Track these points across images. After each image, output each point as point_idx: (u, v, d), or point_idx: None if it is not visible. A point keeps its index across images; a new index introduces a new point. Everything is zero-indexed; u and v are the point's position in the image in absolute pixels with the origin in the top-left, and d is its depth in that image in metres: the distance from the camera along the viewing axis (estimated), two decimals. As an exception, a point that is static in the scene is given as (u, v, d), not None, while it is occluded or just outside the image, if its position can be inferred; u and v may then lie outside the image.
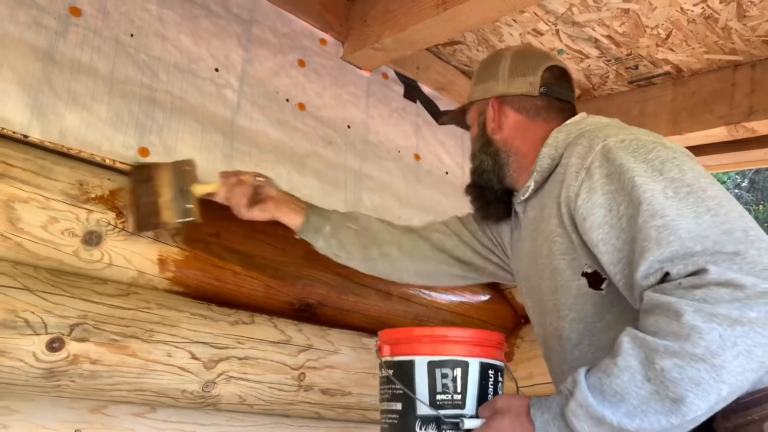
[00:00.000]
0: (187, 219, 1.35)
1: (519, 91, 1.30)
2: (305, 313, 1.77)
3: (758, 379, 0.87)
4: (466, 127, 1.45)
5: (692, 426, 0.87)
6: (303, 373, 1.71)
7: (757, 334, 0.82)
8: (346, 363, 1.82)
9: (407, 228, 1.55)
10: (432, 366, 1.03)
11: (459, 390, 1.02)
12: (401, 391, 1.03)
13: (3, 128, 1.31)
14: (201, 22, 1.72)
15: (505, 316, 2.33)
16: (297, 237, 1.47)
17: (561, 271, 1.12)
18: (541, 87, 1.29)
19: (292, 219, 1.44)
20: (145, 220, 1.35)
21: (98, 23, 1.52)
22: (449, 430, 1.01)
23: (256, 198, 1.42)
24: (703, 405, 0.83)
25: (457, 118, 1.46)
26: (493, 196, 1.34)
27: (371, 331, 1.94)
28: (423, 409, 1.01)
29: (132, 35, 1.57)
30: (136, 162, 1.48)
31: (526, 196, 1.25)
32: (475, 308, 2.24)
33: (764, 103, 2.05)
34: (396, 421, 1.05)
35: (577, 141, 1.12)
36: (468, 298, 2.23)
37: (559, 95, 1.30)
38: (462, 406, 1.02)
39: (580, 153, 1.08)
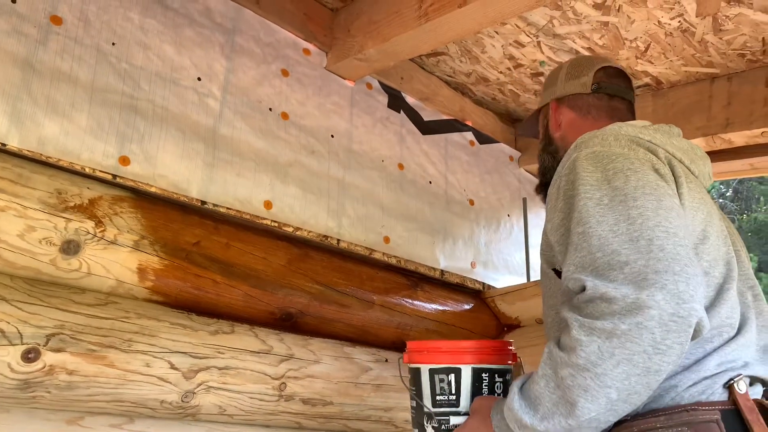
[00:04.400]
0: None
1: (573, 91, 1.42)
2: (286, 323, 1.77)
3: (669, 392, 0.97)
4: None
5: (592, 426, 0.94)
6: (284, 382, 1.70)
7: (633, 344, 0.88)
8: (328, 372, 1.82)
9: None
10: (432, 372, 1.21)
11: (453, 392, 1.18)
12: (415, 391, 1.25)
13: (-20, 136, 1.31)
14: (184, 32, 1.72)
15: (488, 324, 2.34)
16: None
17: (542, 263, 1.23)
18: (592, 85, 1.40)
19: None
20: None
21: (79, 32, 1.52)
22: (443, 425, 1.18)
23: None
24: (593, 407, 0.91)
25: (533, 129, 1.60)
26: None
27: (353, 341, 1.94)
28: (427, 407, 1.21)
29: (114, 44, 1.57)
30: None
31: None
32: (458, 317, 2.25)
33: (740, 114, 2.09)
34: (414, 415, 1.26)
35: (572, 149, 1.19)
36: (451, 306, 2.24)
37: (610, 92, 1.40)
38: (457, 405, 1.18)
39: (563, 161, 1.15)
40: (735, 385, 0.96)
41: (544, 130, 1.48)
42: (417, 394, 1.23)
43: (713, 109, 2.15)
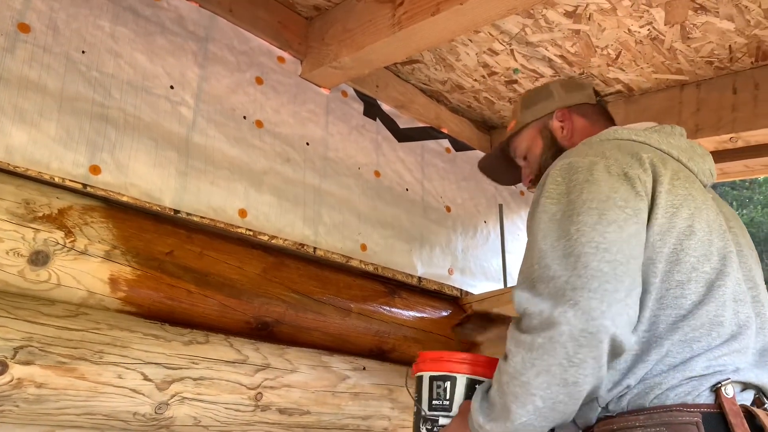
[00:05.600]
0: None
1: (581, 101, 1.47)
2: (262, 332, 1.75)
3: (640, 393, 0.99)
4: (507, 167, 1.62)
5: (528, 431, 1.00)
6: (260, 392, 1.69)
7: (549, 356, 0.95)
8: (305, 382, 1.80)
9: None
10: (432, 379, 1.33)
11: (448, 397, 1.30)
12: (417, 397, 1.36)
13: (-55, 146, 1.28)
14: (156, 40, 1.71)
15: (466, 331, 2.35)
16: None
17: None
18: (596, 96, 1.48)
19: None
20: None
21: (48, 40, 1.50)
22: (435, 426, 1.30)
23: None
24: (523, 413, 0.98)
25: (495, 161, 1.64)
26: None
27: (331, 349, 1.93)
28: (423, 410, 1.32)
29: (84, 52, 1.55)
30: None
31: None
32: (436, 323, 2.25)
33: (709, 121, 2.13)
34: (414, 419, 1.38)
35: (558, 158, 1.20)
36: (429, 313, 2.24)
37: (603, 104, 1.51)
38: (449, 410, 1.29)
39: (547, 170, 1.18)
40: (722, 389, 0.96)
41: (548, 142, 1.45)
42: (418, 399, 1.34)
43: (683, 115, 2.19)
